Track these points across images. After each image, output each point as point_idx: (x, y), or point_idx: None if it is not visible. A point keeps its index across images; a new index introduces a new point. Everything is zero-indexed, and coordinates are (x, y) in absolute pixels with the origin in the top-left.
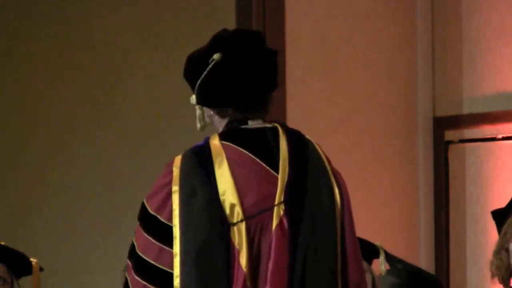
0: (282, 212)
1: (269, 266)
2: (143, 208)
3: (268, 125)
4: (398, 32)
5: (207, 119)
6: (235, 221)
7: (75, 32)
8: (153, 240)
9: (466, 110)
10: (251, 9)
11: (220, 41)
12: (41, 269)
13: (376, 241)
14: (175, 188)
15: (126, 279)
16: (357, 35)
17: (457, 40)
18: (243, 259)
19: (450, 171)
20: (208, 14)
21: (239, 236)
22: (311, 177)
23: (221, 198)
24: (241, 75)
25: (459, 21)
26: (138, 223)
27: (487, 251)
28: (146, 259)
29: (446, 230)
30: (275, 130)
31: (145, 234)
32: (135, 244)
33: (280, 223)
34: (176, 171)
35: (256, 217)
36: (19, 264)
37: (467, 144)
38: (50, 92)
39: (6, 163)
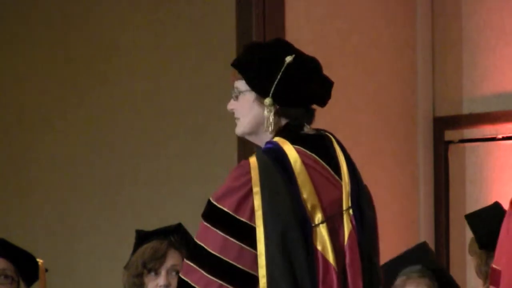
0: (350, 217)
1: (347, 263)
2: (215, 209)
3: (322, 133)
4: (398, 32)
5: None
6: (316, 222)
7: (75, 32)
8: (233, 240)
9: (466, 110)
10: (251, 9)
11: (279, 45)
12: (46, 270)
13: None
14: (256, 189)
15: (184, 283)
16: (357, 35)
17: (457, 40)
18: (330, 258)
19: (450, 171)
20: (208, 14)
21: (321, 236)
22: (360, 185)
23: (304, 198)
24: (309, 76)
25: (459, 21)
26: (206, 224)
27: None
28: (225, 259)
29: (446, 230)
30: (328, 138)
31: (222, 234)
32: (202, 244)
33: (352, 226)
34: (254, 172)
35: (330, 219)
36: (27, 265)
37: (467, 144)
38: (50, 92)
39: (6, 163)
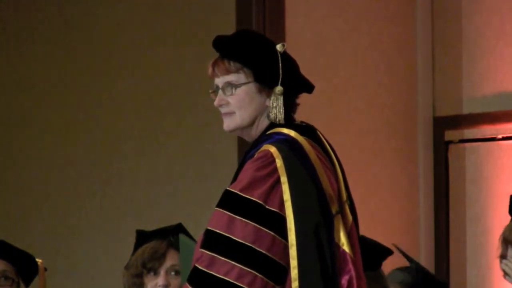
0: (347, 207)
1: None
2: (242, 199)
3: (309, 124)
4: (398, 32)
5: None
6: (334, 212)
7: (75, 32)
8: (266, 230)
9: (466, 110)
10: (251, 9)
11: (259, 34)
12: (45, 269)
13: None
14: (283, 178)
15: (208, 276)
16: (357, 35)
17: (457, 40)
18: (346, 247)
19: (450, 171)
20: (208, 14)
21: (337, 226)
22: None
23: (324, 188)
24: (296, 63)
25: (459, 21)
26: (231, 214)
27: (487, 252)
28: (258, 249)
29: (446, 230)
30: (316, 129)
31: (254, 224)
32: (227, 235)
33: (353, 216)
34: (279, 162)
35: (341, 210)
36: (26, 266)
37: (467, 144)
38: (50, 92)
39: (6, 163)
